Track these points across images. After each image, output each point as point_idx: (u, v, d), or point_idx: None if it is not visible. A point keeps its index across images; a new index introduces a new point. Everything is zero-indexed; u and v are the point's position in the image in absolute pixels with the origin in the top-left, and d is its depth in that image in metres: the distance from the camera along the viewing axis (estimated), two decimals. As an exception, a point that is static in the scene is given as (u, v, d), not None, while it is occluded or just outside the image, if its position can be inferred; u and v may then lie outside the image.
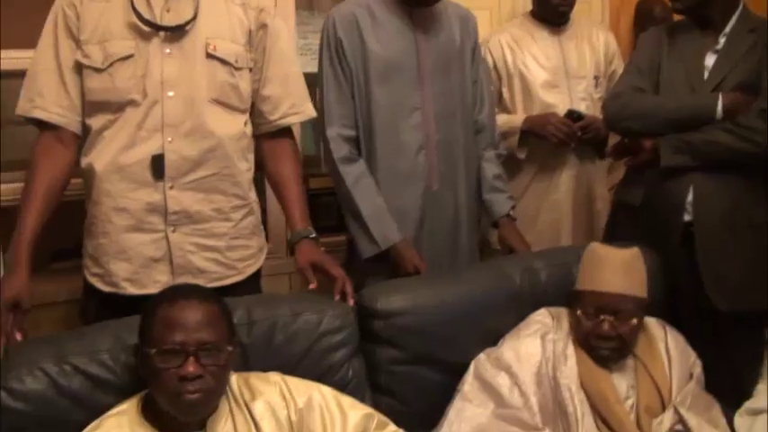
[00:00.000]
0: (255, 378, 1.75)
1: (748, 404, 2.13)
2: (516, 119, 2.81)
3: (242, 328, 1.89)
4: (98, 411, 1.64)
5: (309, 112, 2.21)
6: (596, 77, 2.91)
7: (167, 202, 1.96)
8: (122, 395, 1.68)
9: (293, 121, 2.18)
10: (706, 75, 2.41)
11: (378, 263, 2.39)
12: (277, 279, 2.51)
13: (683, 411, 1.95)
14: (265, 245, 2.22)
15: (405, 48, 2.40)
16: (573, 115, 2.73)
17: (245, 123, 2.08)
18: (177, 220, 1.98)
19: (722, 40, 2.43)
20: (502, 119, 2.82)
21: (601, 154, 2.88)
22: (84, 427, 1.61)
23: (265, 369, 1.81)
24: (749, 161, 2.32)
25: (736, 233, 2.36)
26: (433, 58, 2.43)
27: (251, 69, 2.06)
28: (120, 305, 1.96)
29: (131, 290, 1.99)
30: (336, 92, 2.39)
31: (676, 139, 2.36)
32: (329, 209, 2.77)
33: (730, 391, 2.21)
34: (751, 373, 2.40)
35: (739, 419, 2.10)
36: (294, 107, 2.16)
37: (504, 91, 2.88)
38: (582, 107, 2.81)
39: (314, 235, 2.13)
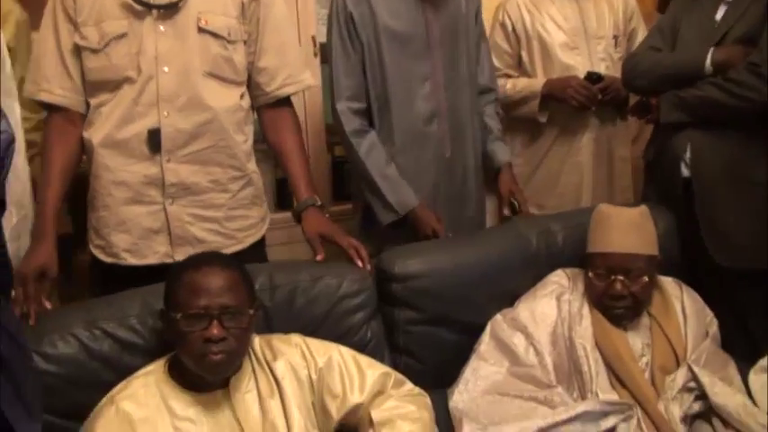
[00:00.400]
0: (277, 340, 1.82)
1: (762, 362, 2.13)
2: (536, 83, 2.81)
3: (264, 293, 1.95)
4: (126, 373, 1.71)
5: (307, 81, 2.22)
6: (615, 37, 2.87)
7: (165, 174, 2.00)
8: (150, 357, 1.76)
9: (291, 91, 2.19)
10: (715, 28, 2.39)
11: (395, 229, 2.43)
12: (298, 246, 2.56)
13: (696, 369, 1.97)
14: (268, 215, 2.26)
15: (414, 18, 2.41)
16: (593, 77, 2.73)
17: (242, 96, 2.10)
18: (175, 192, 2.02)
19: None
20: (522, 83, 2.83)
21: (622, 115, 2.87)
22: (113, 387, 1.68)
23: (287, 331, 1.87)
24: (742, 117, 2.29)
25: (735, 189, 2.36)
26: (441, 28, 2.44)
27: (245, 42, 2.08)
28: (120, 276, 2.02)
29: (131, 260, 2.04)
30: (345, 65, 2.41)
31: (673, 96, 2.37)
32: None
33: (746, 349, 2.23)
34: (765, 331, 2.43)
35: (754, 377, 2.10)
36: (291, 77, 2.16)
37: (524, 54, 2.87)
38: (602, 68, 2.79)
39: (320, 203, 2.16)
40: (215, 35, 2.01)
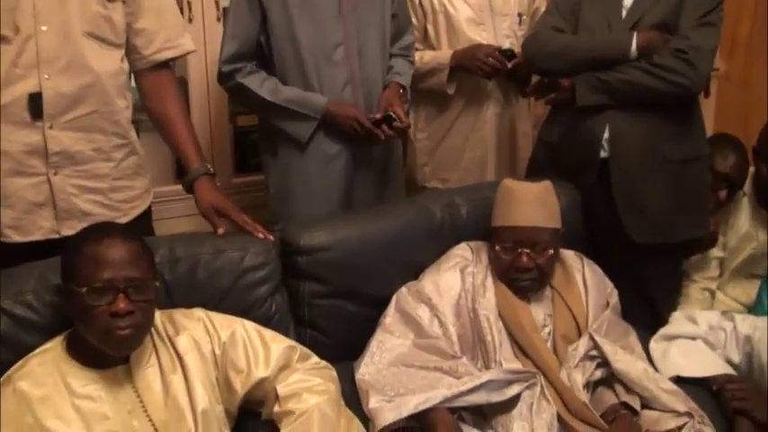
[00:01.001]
0: (180, 314, 1.77)
1: (663, 330, 2.24)
2: (443, 54, 2.80)
3: (165, 266, 1.90)
4: (24, 352, 1.64)
5: (186, 46, 2.15)
6: (520, 15, 2.89)
7: (47, 142, 1.91)
8: (48, 335, 1.68)
9: (169, 55, 2.11)
10: (624, 14, 2.45)
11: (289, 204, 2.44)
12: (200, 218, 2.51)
13: (597, 338, 2.03)
14: (151, 186, 2.20)
15: None
16: (506, 54, 2.74)
17: (122, 59, 2.03)
18: (58, 162, 1.93)
19: None
20: (429, 55, 2.82)
21: (523, 93, 2.90)
22: (11, 367, 1.61)
23: (189, 306, 1.83)
24: (665, 100, 2.38)
25: (652, 168, 2.43)
26: None
27: (124, 1, 1.99)
28: (5, 255, 1.91)
29: (16, 238, 1.95)
30: (234, 28, 2.39)
31: (593, 78, 2.40)
32: (256, 147, 2.76)
33: (649, 320, 2.33)
34: (668, 302, 2.54)
35: (654, 345, 2.20)
36: (169, 41, 2.09)
37: (430, 28, 2.86)
38: (506, 44, 2.80)
39: (212, 171, 2.11)
40: None
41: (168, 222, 2.70)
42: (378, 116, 2.41)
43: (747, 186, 2.80)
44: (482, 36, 2.81)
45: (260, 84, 2.40)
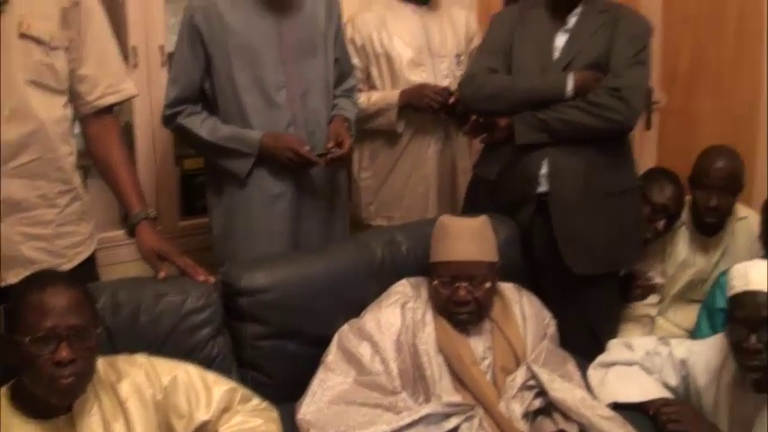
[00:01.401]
0: (122, 360, 1.78)
1: (601, 358, 2.30)
2: (391, 94, 2.86)
3: (107, 312, 1.92)
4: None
5: (129, 91, 2.18)
6: (458, 56, 2.96)
7: None
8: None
9: (112, 101, 2.13)
10: (556, 54, 2.53)
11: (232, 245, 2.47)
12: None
13: (535, 368, 2.08)
14: (96, 232, 2.21)
15: (265, 29, 2.43)
16: (445, 93, 2.80)
17: (65, 106, 2.04)
18: (4, 210, 1.93)
19: (572, 20, 2.54)
20: (376, 96, 2.87)
21: (461, 131, 2.95)
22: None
23: (131, 351, 1.83)
24: (601, 136, 2.46)
25: (591, 202, 2.50)
26: (296, 38, 2.46)
27: (67, 48, 2.01)
28: None
29: None
30: (179, 74, 2.45)
31: (531, 117, 2.48)
32: (203, 189, 2.78)
33: (590, 349, 2.37)
34: (608, 330, 2.60)
35: (592, 372, 2.26)
36: (112, 86, 2.11)
37: (373, 70, 2.92)
38: (445, 85, 2.87)
39: (153, 215, 2.13)
40: (37, 41, 1.93)
41: (115, 268, 2.69)
42: (329, 145, 2.45)
43: (685, 215, 2.89)
44: (422, 77, 2.87)
45: (200, 123, 2.45)
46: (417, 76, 2.87)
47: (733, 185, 2.79)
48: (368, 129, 2.89)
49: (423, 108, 2.80)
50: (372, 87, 2.94)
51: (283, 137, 2.43)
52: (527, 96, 2.50)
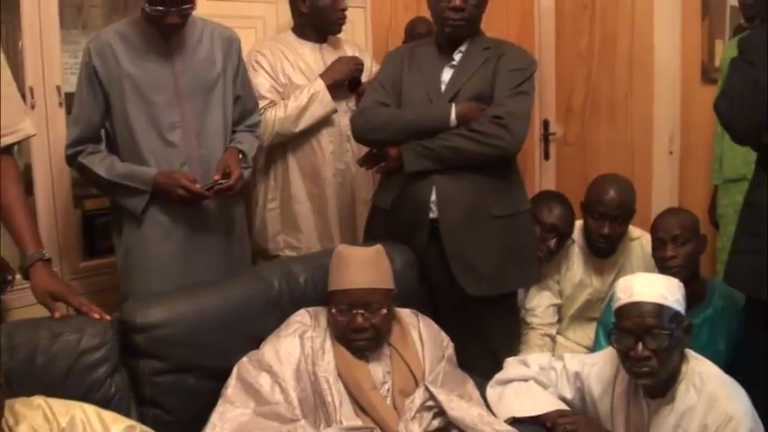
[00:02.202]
0: (19, 403, 1.75)
1: (498, 376, 2.37)
2: (312, 85, 2.95)
3: (4, 355, 1.87)
4: None
5: (27, 131, 2.19)
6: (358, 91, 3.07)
7: None
8: None
9: (10, 141, 2.14)
10: (443, 88, 2.64)
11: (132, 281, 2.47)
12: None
13: (432, 389, 2.13)
14: None
15: (160, 70, 2.47)
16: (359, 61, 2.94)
17: None
18: None
19: (457, 57, 2.68)
20: (296, 95, 2.94)
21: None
22: None
23: (29, 393, 1.80)
24: (485, 162, 2.57)
25: (479, 225, 2.60)
26: (191, 79, 2.51)
27: None
28: None
29: None
30: (78, 114, 2.47)
31: (418, 146, 2.58)
32: (106, 229, 2.78)
33: (489, 369, 2.43)
34: (507, 350, 2.67)
35: (490, 390, 2.33)
36: (9, 127, 2.12)
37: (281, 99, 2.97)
38: (346, 119, 2.95)
39: (47, 257, 2.12)
40: None
41: (30, 309, 2.64)
42: (215, 177, 2.46)
43: (578, 237, 3.00)
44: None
45: (98, 162, 2.46)
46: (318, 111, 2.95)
47: (625, 213, 2.91)
48: (305, 129, 2.95)
49: (348, 75, 2.94)
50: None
51: (174, 174, 2.44)
52: (413, 126, 2.59)
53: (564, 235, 2.95)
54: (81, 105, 2.47)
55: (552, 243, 2.91)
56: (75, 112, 2.49)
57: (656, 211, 3.22)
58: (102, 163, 2.46)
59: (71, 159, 2.49)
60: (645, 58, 4.13)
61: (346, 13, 3.10)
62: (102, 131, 2.53)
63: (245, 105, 2.71)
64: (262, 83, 2.95)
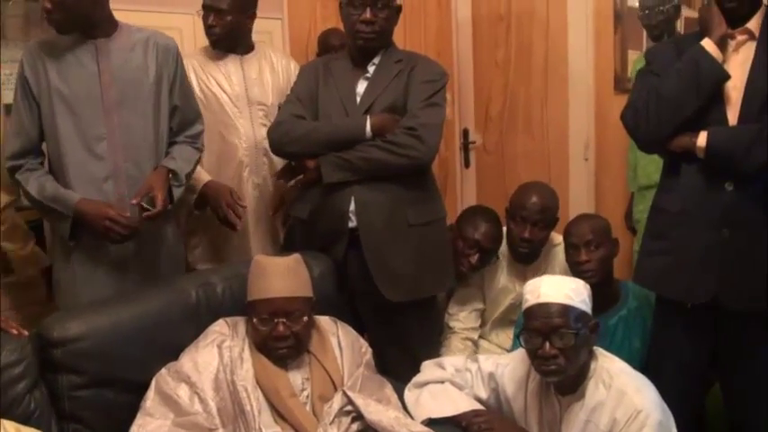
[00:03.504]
0: (-65, 423, 1.75)
1: (415, 379, 2.43)
2: (201, 177, 2.87)
3: None
4: None
5: None
6: (280, 105, 3.01)
7: None
8: None
9: None
10: (358, 100, 2.71)
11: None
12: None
13: (350, 393, 2.18)
14: None
15: (86, 80, 2.44)
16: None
17: None
18: None
19: (371, 69, 2.74)
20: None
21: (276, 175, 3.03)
22: None
23: (-54, 414, 1.81)
24: (401, 172, 2.64)
25: (397, 233, 2.66)
26: (120, 89, 2.47)
27: None
28: None
29: None
30: (16, 125, 2.45)
31: (335, 158, 2.63)
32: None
33: (410, 373, 2.48)
34: (427, 354, 2.72)
35: (408, 393, 2.39)
36: None
37: None
38: (263, 132, 2.94)
39: None
40: None
41: None
42: (133, 201, 2.41)
43: (503, 246, 3.08)
44: (240, 123, 2.96)
45: (32, 180, 2.43)
46: (236, 123, 2.96)
47: (546, 218, 3.01)
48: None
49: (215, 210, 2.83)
50: None
51: (100, 205, 2.39)
52: (330, 138, 2.65)
53: (487, 251, 3.01)
54: (18, 117, 2.45)
55: (474, 258, 2.98)
56: (13, 125, 2.46)
57: (574, 216, 3.34)
58: (35, 182, 2.42)
59: (11, 173, 2.46)
60: (559, 68, 4.27)
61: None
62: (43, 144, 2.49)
63: (183, 115, 2.65)
64: None
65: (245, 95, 3.00)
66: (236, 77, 3.01)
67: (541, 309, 2.13)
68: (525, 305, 2.18)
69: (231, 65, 3.03)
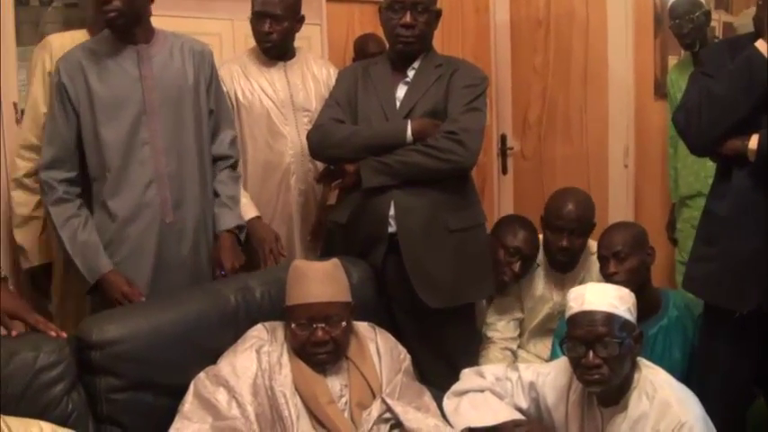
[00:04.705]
0: (-25, 422, 1.75)
1: (454, 387, 2.39)
2: (247, 209, 2.84)
3: (-42, 373, 1.87)
4: None
5: None
6: None
7: None
8: None
9: None
10: (398, 104, 2.69)
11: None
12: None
13: (389, 401, 2.16)
14: None
15: (128, 85, 2.45)
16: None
17: None
18: None
19: (411, 74, 2.73)
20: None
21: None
22: None
23: (-14, 412, 1.80)
24: (441, 177, 2.62)
25: (436, 239, 2.64)
26: (161, 94, 2.48)
27: None
28: None
29: None
30: (51, 134, 2.45)
31: (375, 162, 2.62)
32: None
33: (448, 381, 2.44)
34: (466, 362, 2.68)
35: (447, 401, 2.35)
36: None
37: (235, 121, 2.93)
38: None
39: (4, 275, 2.13)
40: None
41: None
42: (219, 273, 2.51)
43: (540, 255, 3.03)
44: (285, 131, 2.94)
45: (64, 221, 2.43)
46: (282, 129, 2.94)
47: (583, 226, 2.95)
48: None
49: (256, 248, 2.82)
50: None
51: (122, 282, 2.41)
52: (370, 142, 2.63)
53: (528, 258, 2.97)
54: (54, 125, 2.45)
55: (516, 266, 2.94)
56: (49, 133, 2.46)
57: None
58: (67, 224, 2.43)
59: (44, 191, 2.45)
60: (599, 73, 4.23)
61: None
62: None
63: (217, 119, 2.68)
64: None
65: (290, 101, 2.98)
66: (281, 83, 2.99)
67: (585, 317, 2.09)
68: (569, 312, 2.14)
69: (275, 71, 3.01)
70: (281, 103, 2.97)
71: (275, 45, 2.95)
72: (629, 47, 4.11)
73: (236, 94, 2.94)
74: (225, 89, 2.89)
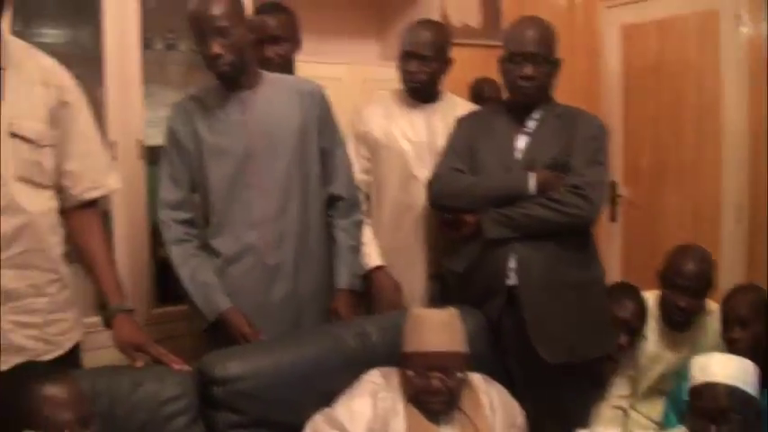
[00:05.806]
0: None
1: None
2: (370, 258, 2.91)
3: (85, 402, 1.93)
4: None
5: (111, 185, 2.26)
6: None
7: None
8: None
9: (95, 195, 2.21)
10: (517, 155, 2.67)
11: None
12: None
13: (503, 457, 2.12)
14: (81, 318, 2.25)
15: (234, 131, 2.51)
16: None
17: (52, 198, 2.11)
18: None
19: (531, 124, 2.70)
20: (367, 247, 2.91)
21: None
22: None
23: (110, 440, 1.85)
24: (563, 230, 2.58)
25: (556, 293, 2.60)
26: (265, 138, 2.53)
27: (54, 146, 2.08)
28: None
29: None
30: (168, 178, 2.55)
31: (497, 214, 2.59)
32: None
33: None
34: (580, 421, 2.63)
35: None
36: (95, 182, 2.19)
37: (373, 159, 2.96)
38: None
39: (129, 308, 2.18)
40: (25, 140, 2.00)
41: (97, 353, 2.66)
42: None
43: (653, 309, 2.93)
44: (421, 173, 2.89)
45: (182, 261, 2.52)
46: (417, 172, 2.91)
47: (704, 287, 2.84)
48: None
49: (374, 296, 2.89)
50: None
51: (242, 321, 2.47)
52: (491, 193, 2.62)
53: (635, 331, 2.89)
54: (171, 168, 2.55)
55: (624, 340, 2.86)
56: (166, 176, 2.55)
57: (724, 282, 3.16)
58: (186, 264, 2.52)
59: (162, 228, 2.54)
60: (712, 125, 4.12)
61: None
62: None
63: (332, 158, 2.70)
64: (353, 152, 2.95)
65: (427, 145, 2.94)
66: (421, 126, 2.96)
67: (709, 389, 2.04)
68: (692, 383, 2.08)
69: (417, 112, 2.99)
70: (419, 146, 2.94)
71: (422, 86, 2.95)
72: (744, 93, 3.99)
73: (375, 135, 2.95)
74: (364, 129, 2.93)
